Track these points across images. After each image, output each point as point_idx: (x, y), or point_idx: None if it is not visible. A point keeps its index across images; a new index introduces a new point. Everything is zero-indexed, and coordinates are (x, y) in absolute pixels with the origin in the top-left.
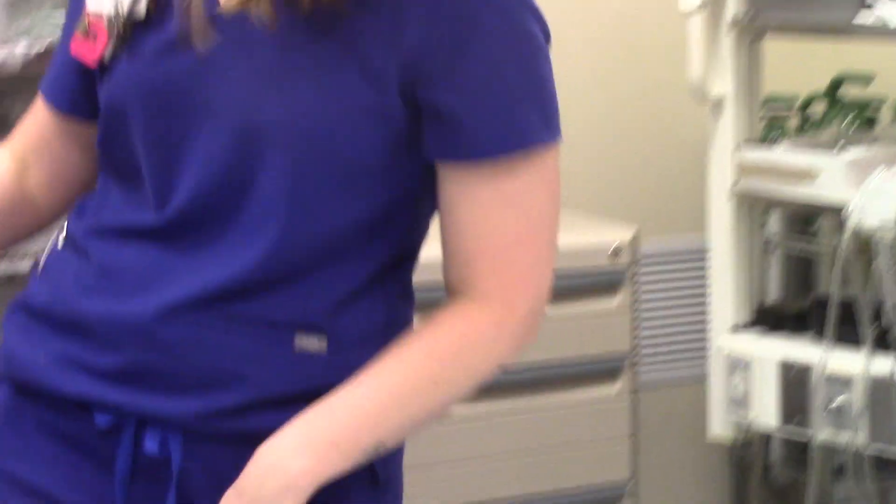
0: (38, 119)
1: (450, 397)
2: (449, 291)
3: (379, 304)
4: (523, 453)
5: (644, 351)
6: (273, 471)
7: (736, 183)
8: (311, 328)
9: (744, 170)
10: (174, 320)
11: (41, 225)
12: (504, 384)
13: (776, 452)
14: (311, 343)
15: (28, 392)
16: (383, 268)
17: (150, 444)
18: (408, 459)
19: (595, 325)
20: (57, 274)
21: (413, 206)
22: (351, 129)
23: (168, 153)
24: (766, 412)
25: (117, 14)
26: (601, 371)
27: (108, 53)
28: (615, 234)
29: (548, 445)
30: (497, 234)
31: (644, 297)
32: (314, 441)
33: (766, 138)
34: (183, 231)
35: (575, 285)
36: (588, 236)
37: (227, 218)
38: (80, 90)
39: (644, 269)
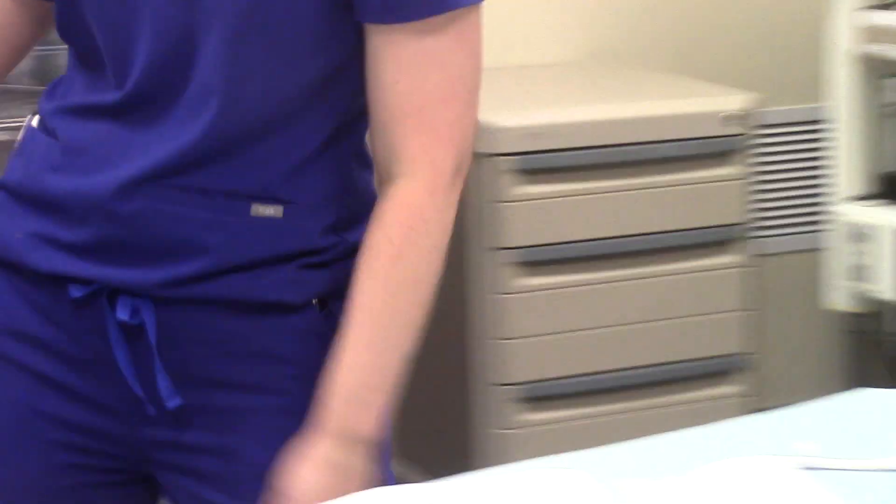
0: None
1: (431, 281)
2: (380, 175)
3: (332, 167)
4: (639, 323)
5: (760, 221)
6: (347, 441)
7: (856, 47)
8: (266, 196)
9: (864, 33)
10: (131, 195)
11: None
12: (618, 254)
13: (894, 324)
14: (267, 210)
15: (7, 266)
16: (333, 132)
17: (122, 313)
18: (522, 331)
19: (711, 195)
20: (29, 153)
21: (354, 70)
22: None
23: (122, 34)
24: (884, 283)
25: None
26: (716, 240)
27: None
28: (732, 102)
29: (663, 316)
30: (418, 92)
31: (761, 165)
32: (359, 395)
33: None
34: (137, 108)
35: (691, 153)
36: (705, 104)
37: (174, 94)
38: None
39: (761, 137)
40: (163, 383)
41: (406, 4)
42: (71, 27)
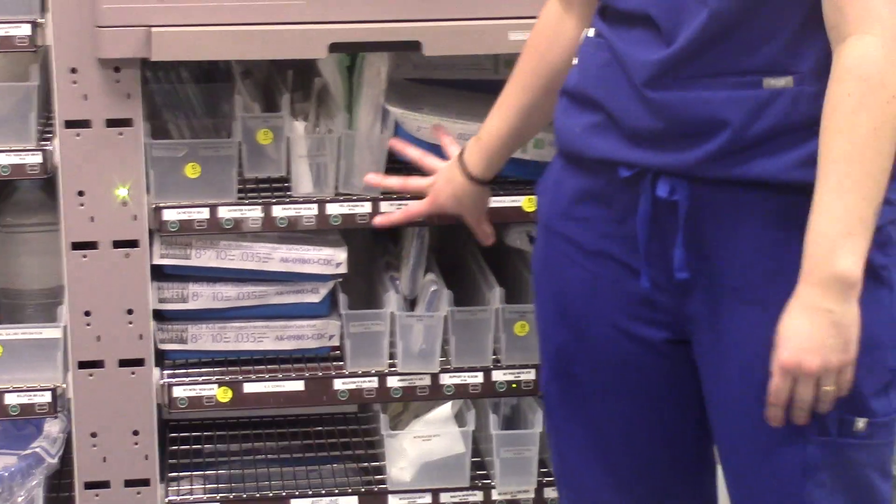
0: None
1: (892, 131)
2: (832, 37)
3: (822, 35)
4: None
5: None
6: (828, 282)
7: None
8: (775, 70)
9: None
10: (656, 83)
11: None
12: None
13: None
14: (777, 82)
15: (571, 159)
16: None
17: (662, 190)
18: None
19: None
20: (583, 61)
21: None
22: None
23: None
24: None
25: None
26: None
27: None
28: None
29: None
30: None
31: None
32: (833, 240)
33: None
34: (654, 22)
35: None
36: None
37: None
38: None
39: None
40: (679, 254)
41: None
42: None
